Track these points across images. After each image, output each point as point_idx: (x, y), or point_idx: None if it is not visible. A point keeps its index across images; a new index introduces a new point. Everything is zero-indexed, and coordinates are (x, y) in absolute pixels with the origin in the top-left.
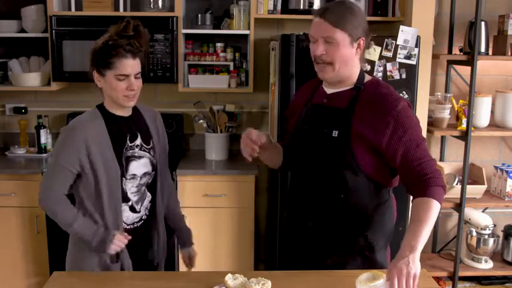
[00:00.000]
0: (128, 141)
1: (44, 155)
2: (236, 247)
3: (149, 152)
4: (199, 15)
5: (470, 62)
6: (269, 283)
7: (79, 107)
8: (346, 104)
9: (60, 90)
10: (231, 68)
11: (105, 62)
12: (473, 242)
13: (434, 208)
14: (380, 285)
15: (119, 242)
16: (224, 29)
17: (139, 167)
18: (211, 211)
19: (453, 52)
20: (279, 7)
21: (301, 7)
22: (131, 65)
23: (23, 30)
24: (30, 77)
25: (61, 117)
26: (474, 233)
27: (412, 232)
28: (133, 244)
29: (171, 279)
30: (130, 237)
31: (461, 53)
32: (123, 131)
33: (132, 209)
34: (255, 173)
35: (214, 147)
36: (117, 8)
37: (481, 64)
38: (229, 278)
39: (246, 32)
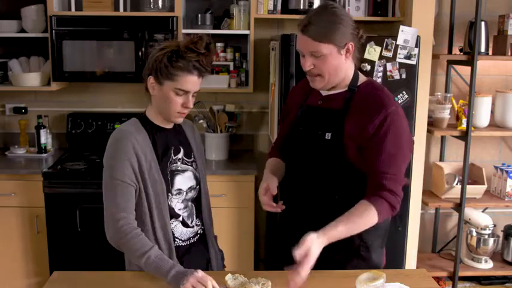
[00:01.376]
0: (172, 155)
1: (44, 155)
2: (236, 247)
3: (191, 165)
4: (199, 15)
5: (470, 62)
6: (269, 283)
7: (79, 107)
8: (340, 106)
9: (60, 90)
10: (231, 68)
11: (169, 72)
12: (473, 242)
13: (370, 219)
14: (380, 285)
15: (199, 285)
16: (224, 29)
17: (185, 181)
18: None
19: (453, 52)
20: (279, 7)
21: (301, 7)
22: (194, 83)
23: (23, 30)
24: (30, 77)
25: (61, 117)
26: (474, 233)
27: (335, 224)
28: (193, 262)
29: None
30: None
31: (461, 53)
32: (167, 143)
33: (185, 224)
34: (255, 173)
35: (214, 147)
36: (117, 8)
37: (481, 64)
38: (229, 278)
39: (246, 32)
